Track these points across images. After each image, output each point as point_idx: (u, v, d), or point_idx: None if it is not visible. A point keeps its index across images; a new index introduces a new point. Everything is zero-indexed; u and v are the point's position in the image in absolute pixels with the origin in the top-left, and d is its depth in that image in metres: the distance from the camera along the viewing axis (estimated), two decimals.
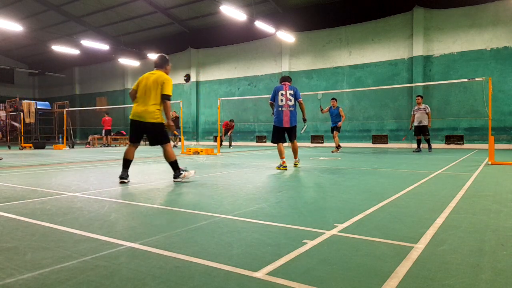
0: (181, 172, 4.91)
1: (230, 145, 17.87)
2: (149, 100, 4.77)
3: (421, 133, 11.57)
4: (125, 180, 4.85)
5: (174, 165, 4.91)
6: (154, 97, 4.79)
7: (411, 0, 15.53)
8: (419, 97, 11.56)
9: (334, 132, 12.11)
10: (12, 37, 24.62)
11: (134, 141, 5.00)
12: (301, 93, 6.93)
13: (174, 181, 4.88)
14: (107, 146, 18.69)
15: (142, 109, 4.78)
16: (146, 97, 4.79)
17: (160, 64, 5.06)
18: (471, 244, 2.15)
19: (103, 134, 19.37)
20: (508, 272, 1.73)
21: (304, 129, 7.18)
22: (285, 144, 6.91)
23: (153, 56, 20.74)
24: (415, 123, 11.58)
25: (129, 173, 4.95)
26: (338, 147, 12.25)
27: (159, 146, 4.95)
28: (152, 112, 4.77)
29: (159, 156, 10.51)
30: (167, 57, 5.17)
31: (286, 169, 6.45)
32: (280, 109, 6.63)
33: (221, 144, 16.51)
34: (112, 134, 20.01)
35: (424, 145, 12.39)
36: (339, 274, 1.71)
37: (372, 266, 1.81)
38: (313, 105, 17.75)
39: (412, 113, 11.81)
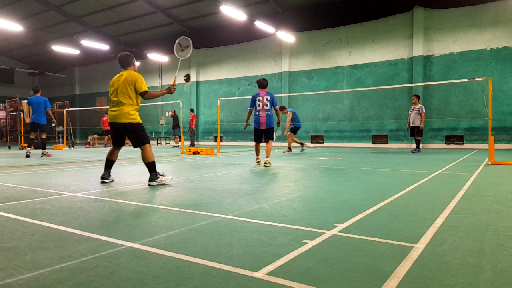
0: (158, 176, 4.69)
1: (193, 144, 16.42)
2: (123, 102, 4.68)
3: (413, 134, 11.55)
4: (106, 180, 4.89)
5: (151, 167, 4.69)
6: (127, 98, 4.70)
7: (411, 0, 15.52)
8: (415, 97, 11.49)
9: (289, 133, 11.74)
10: (12, 37, 24.60)
11: (117, 144, 4.98)
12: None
13: (149, 184, 4.64)
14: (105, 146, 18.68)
15: (116, 112, 4.70)
16: (119, 99, 4.71)
17: (127, 63, 4.88)
18: (471, 244, 2.15)
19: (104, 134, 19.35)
20: (508, 272, 1.73)
21: (276, 132, 7.67)
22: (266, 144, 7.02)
23: (153, 56, 20.76)
24: (411, 124, 11.58)
25: (111, 173, 5.04)
26: (291, 148, 11.82)
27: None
28: (127, 112, 4.68)
29: (158, 156, 10.51)
30: (131, 54, 4.98)
31: (259, 164, 7.36)
32: (257, 113, 7.42)
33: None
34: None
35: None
36: (339, 274, 1.71)
37: (372, 266, 1.81)
38: (313, 105, 17.85)
39: (409, 113, 11.80)
